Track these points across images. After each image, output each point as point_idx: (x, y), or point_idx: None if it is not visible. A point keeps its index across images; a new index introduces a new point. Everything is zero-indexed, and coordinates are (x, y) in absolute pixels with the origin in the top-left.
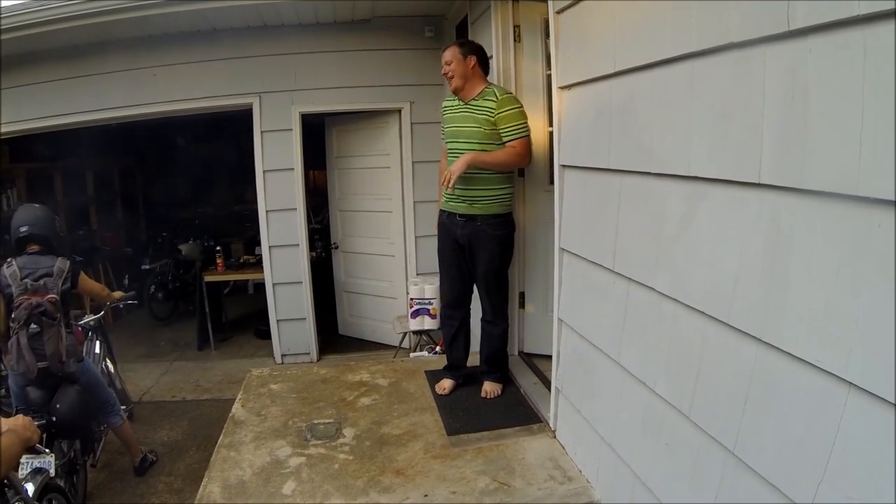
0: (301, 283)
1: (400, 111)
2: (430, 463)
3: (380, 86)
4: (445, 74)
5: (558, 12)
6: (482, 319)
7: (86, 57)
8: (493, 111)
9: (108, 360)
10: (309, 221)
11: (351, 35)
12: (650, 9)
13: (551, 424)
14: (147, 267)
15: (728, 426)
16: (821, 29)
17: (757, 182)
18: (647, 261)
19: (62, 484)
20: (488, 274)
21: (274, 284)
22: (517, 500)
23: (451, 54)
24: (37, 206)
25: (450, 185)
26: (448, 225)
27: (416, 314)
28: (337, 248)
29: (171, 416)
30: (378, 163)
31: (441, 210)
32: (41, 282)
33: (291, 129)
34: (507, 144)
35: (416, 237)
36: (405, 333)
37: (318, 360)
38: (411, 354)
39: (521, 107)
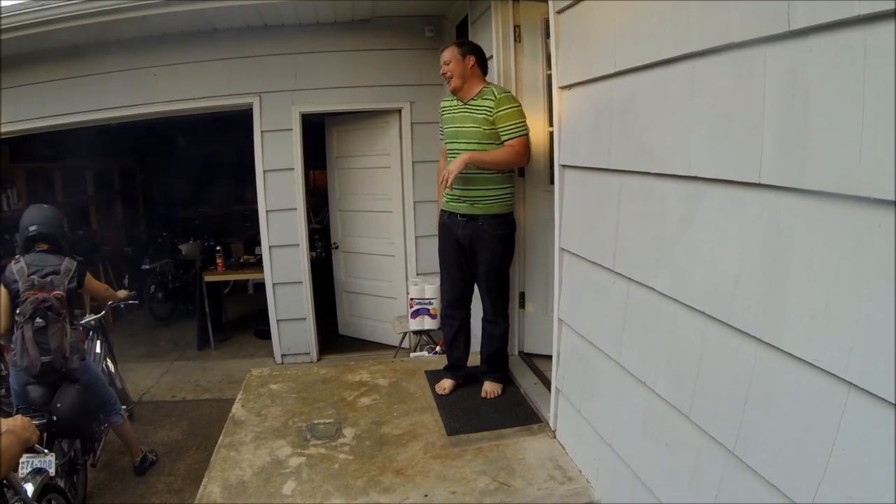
0: (301, 283)
1: (400, 111)
2: (430, 463)
3: (380, 86)
4: (444, 74)
5: (559, 12)
6: (483, 319)
7: (85, 57)
8: (491, 110)
9: (108, 360)
10: (309, 221)
11: (351, 35)
12: (650, 9)
13: (551, 424)
14: (147, 267)
15: (728, 426)
16: (821, 29)
17: (757, 182)
18: (648, 261)
19: (62, 483)
20: (490, 273)
21: (274, 284)
22: (517, 500)
23: (449, 54)
24: (46, 206)
25: (448, 185)
26: (449, 225)
27: (416, 314)
28: (337, 247)
29: (171, 416)
30: (378, 163)
31: (442, 210)
32: (48, 279)
33: (291, 129)
34: (505, 143)
35: (416, 237)
36: (405, 333)
37: (318, 360)
38: (411, 354)
39: (520, 106)
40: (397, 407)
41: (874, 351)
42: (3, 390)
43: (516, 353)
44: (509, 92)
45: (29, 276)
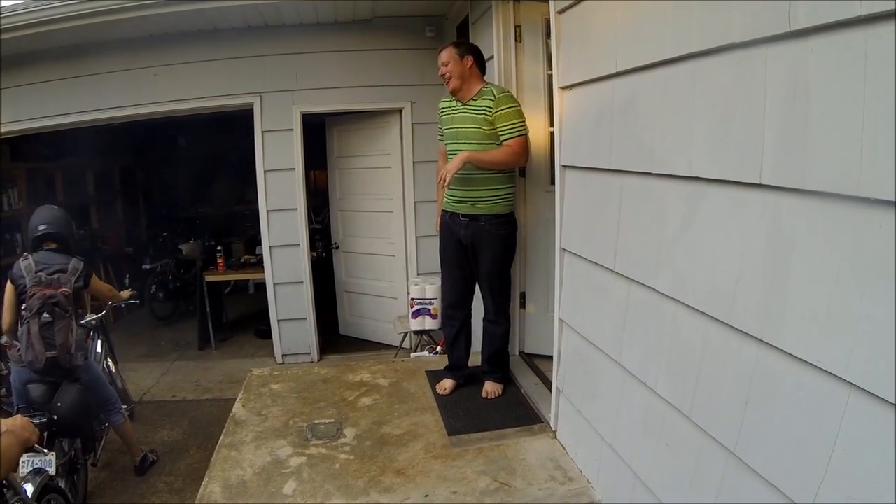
0: (302, 282)
1: (401, 111)
2: (431, 463)
3: (381, 86)
4: (443, 76)
5: (559, 12)
6: (484, 319)
7: (86, 57)
8: (490, 110)
9: (109, 360)
10: (310, 221)
11: (352, 35)
12: (652, 9)
13: (552, 425)
14: (148, 266)
15: (729, 427)
16: (822, 29)
17: (758, 182)
18: (648, 261)
19: (62, 483)
20: (492, 273)
21: (275, 284)
22: (518, 501)
23: (447, 55)
24: (55, 207)
25: (445, 184)
26: (451, 225)
27: (416, 314)
28: (338, 247)
29: (171, 416)
30: (379, 163)
31: (443, 210)
32: (55, 276)
33: (292, 129)
34: (504, 143)
35: (416, 237)
36: (406, 333)
37: (318, 360)
38: (412, 354)
39: (519, 106)
40: (398, 407)
41: (875, 351)
42: (4, 390)
43: (517, 353)
44: (509, 92)
45: (36, 272)
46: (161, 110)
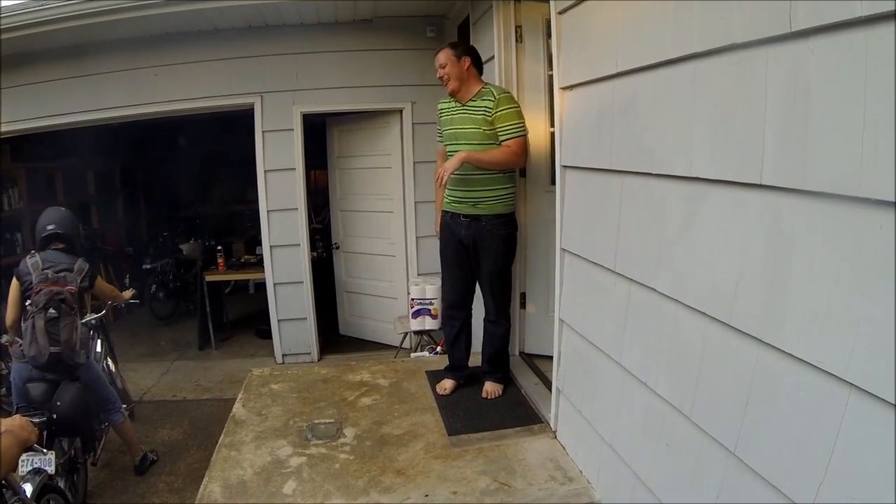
0: (302, 282)
1: (401, 111)
2: (431, 463)
3: (381, 86)
4: (441, 78)
5: (560, 13)
6: (485, 319)
7: (86, 56)
8: (490, 111)
9: (109, 359)
10: (310, 221)
11: (352, 35)
12: (652, 9)
13: (552, 425)
14: (148, 266)
15: (729, 427)
16: (823, 30)
17: (758, 183)
18: (649, 261)
19: (62, 482)
20: (493, 273)
21: (275, 284)
22: (518, 501)
23: (444, 57)
24: (63, 208)
25: (442, 183)
26: (452, 225)
27: (417, 314)
28: (338, 248)
29: (171, 416)
30: (379, 163)
31: (444, 211)
32: (61, 274)
33: (293, 129)
34: (502, 143)
35: (416, 237)
36: (406, 333)
37: (318, 360)
38: (412, 354)
39: (519, 107)
40: (398, 407)
41: (875, 352)
42: (4, 389)
43: (517, 353)
44: (509, 92)
45: (43, 270)
46: (161, 110)
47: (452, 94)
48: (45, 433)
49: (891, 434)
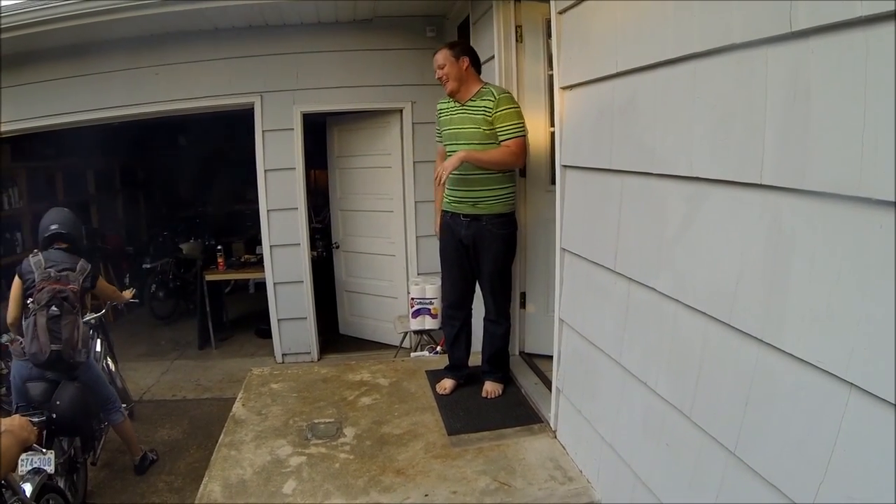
0: (302, 282)
1: (401, 111)
2: (431, 463)
3: (381, 85)
4: (440, 79)
5: (560, 12)
6: (485, 319)
7: (87, 56)
8: (490, 111)
9: (108, 359)
10: (310, 221)
11: (353, 35)
12: (652, 9)
13: (552, 424)
14: (148, 266)
15: (729, 427)
16: (823, 30)
17: (759, 183)
18: (649, 261)
19: (62, 482)
20: (493, 273)
21: (275, 284)
22: (518, 500)
23: (443, 58)
24: (66, 209)
25: (441, 182)
26: (452, 225)
27: (417, 314)
28: (338, 247)
29: (171, 415)
30: (379, 162)
31: (444, 211)
32: (64, 273)
33: (293, 129)
34: (502, 143)
35: (416, 237)
36: (406, 333)
37: (318, 360)
38: (412, 354)
39: (519, 107)
40: (398, 406)
41: (875, 352)
42: (4, 389)
43: (517, 353)
44: (509, 93)
45: (46, 268)
46: (162, 110)
47: (451, 95)
48: (44, 432)
49: (891, 434)
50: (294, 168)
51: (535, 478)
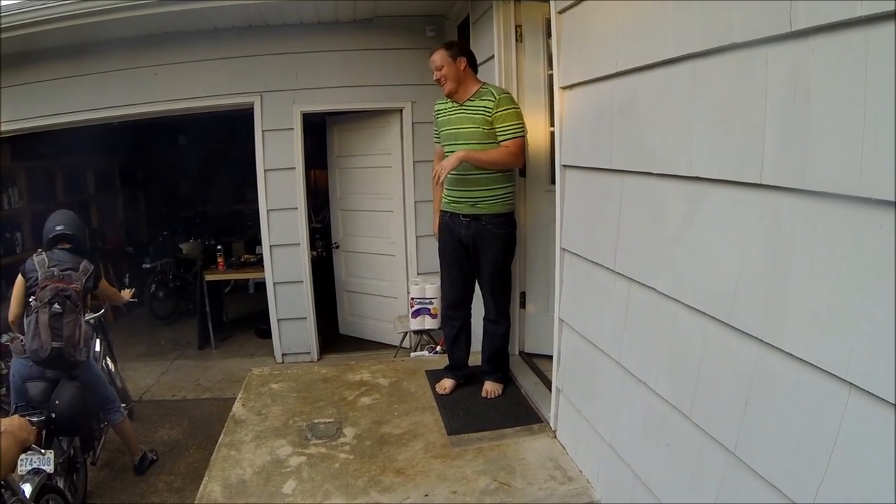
0: (302, 282)
1: (401, 111)
2: (431, 462)
3: (381, 85)
4: (438, 80)
5: (560, 12)
6: (485, 319)
7: (86, 55)
8: (490, 111)
9: (108, 359)
10: (310, 221)
11: (352, 34)
12: (652, 9)
13: (552, 424)
14: (148, 266)
15: (729, 427)
16: (823, 30)
17: (758, 183)
18: (649, 261)
19: (62, 482)
20: (493, 273)
21: (275, 283)
22: (518, 500)
23: (440, 59)
24: (71, 212)
25: (439, 181)
26: (451, 225)
27: (416, 314)
28: (338, 247)
29: (171, 415)
30: (379, 162)
31: (443, 211)
32: (67, 272)
33: (293, 129)
34: (501, 144)
35: (416, 237)
36: (406, 333)
37: (318, 360)
38: (412, 354)
39: (518, 108)
40: (398, 406)
41: (875, 352)
42: (4, 389)
43: (517, 353)
44: (509, 93)
45: (49, 267)
46: (161, 109)
47: (450, 95)
48: (43, 432)
49: (891, 434)
50: (294, 168)
51: (534, 478)
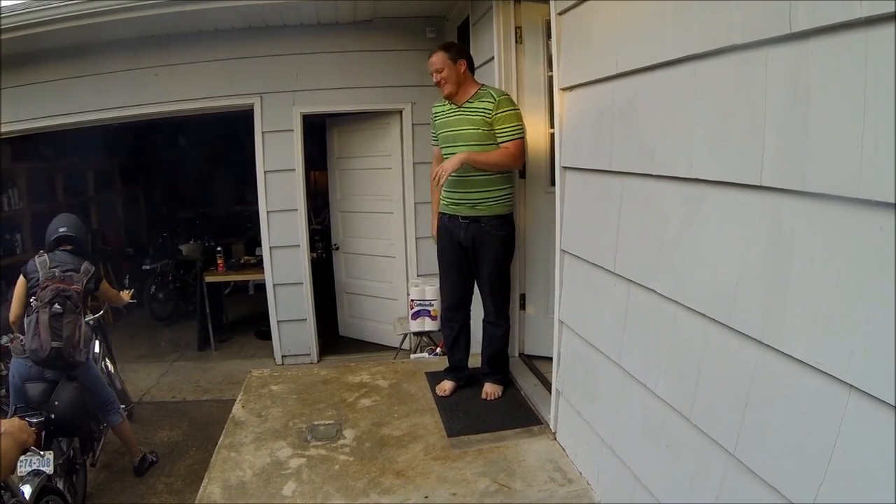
0: (301, 283)
1: (401, 112)
2: (431, 464)
3: (381, 86)
4: (438, 83)
5: (560, 13)
6: (484, 321)
7: (87, 56)
8: (490, 112)
9: (107, 360)
10: (310, 222)
11: (352, 36)
12: (652, 10)
13: (552, 426)
14: (148, 267)
15: (729, 428)
16: (823, 31)
17: (758, 184)
18: (648, 263)
19: (61, 483)
20: (493, 275)
21: (274, 285)
22: (517, 502)
23: (440, 61)
24: (74, 216)
25: (439, 183)
26: (450, 227)
27: (416, 315)
28: (338, 249)
29: (171, 417)
30: (379, 164)
31: (441, 213)
32: (68, 274)
33: (293, 130)
34: (500, 145)
35: (416, 238)
36: (406, 335)
37: (318, 362)
38: (412, 356)
39: (518, 109)
40: (398, 408)
41: (875, 353)
42: (3, 390)
43: (517, 354)
44: (508, 95)
45: (50, 268)
46: (162, 110)
47: (449, 97)
48: (43, 433)
49: (891, 435)
50: (294, 169)
51: (534, 479)
